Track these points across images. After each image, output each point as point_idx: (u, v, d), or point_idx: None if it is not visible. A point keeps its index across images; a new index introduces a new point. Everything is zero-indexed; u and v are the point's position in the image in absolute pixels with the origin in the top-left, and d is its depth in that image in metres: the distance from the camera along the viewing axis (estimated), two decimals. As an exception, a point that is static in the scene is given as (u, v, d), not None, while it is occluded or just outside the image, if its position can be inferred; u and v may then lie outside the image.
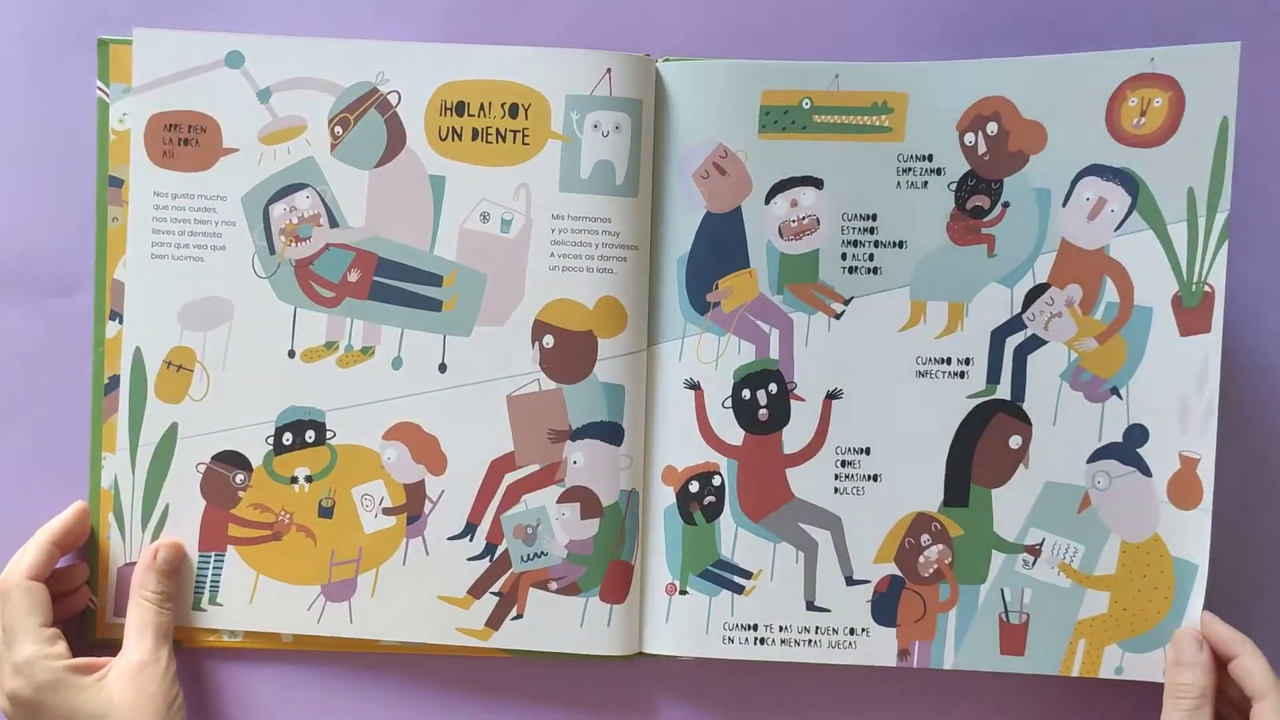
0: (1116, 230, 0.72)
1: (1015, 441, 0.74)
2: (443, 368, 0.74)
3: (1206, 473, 0.71)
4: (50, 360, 0.77)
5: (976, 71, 0.73)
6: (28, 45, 0.77)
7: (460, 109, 0.74)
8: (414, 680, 0.77)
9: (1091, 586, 0.73)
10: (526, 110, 0.74)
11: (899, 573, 0.74)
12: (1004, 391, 0.74)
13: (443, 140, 0.74)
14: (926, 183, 0.74)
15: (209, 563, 0.75)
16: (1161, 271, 0.72)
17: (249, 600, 0.75)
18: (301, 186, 0.74)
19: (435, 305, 0.74)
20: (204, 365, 0.75)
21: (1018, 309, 0.74)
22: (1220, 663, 0.71)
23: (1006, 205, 0.73)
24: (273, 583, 0.75)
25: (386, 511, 0.75)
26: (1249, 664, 0.69)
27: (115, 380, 0.75)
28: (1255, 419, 0.76)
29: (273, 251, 0.75)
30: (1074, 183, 0.73)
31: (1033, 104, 0.73)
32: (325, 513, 0.75)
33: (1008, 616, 0.74)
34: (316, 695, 0.77)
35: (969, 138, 0.74)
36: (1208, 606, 0.72)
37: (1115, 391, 0.73)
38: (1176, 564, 0.72)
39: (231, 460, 0.75)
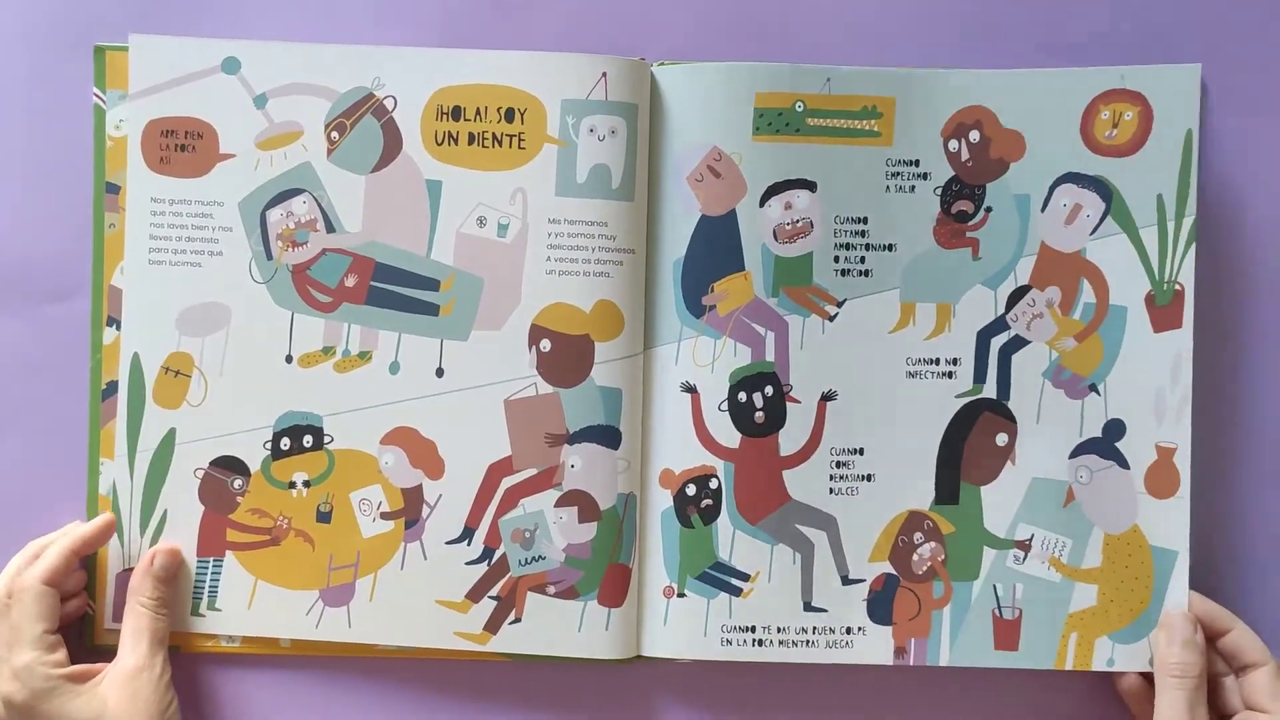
0: (1092, 234, 0.75)
1: (1002, 439, 0.76)
2: (440, 372, 0.74)
3: (1183, 461, 0.74)
4: (47, 367, 0.77)
5: (959, 80, 0.75)
6: (24, 52, 0.77)
7: (456, 113, 0.74)
8: (412, 684, 0.77)
9: (1080, 580, 0.75)
10: (523, 115, 0.74)
11: (893, 571, 0.75)
12: (990, 390, 0.76)
13: (439, 145, 0.74)
14: (914, 187, 0.76)
15: (207, 568, 0.75)
16: (1135, 272, 0.75)
17: (247, 605, 0.75)
18: (298, 192, 0.74)
19: (432, 310, 0.74)
20: (202, 371, 0.75)
21: (1001, 310, 0.76)
22: (1207, 639, 0.73)
23: (989, 210, 0.75)
24: (271, 588, 0.75)
25: (384, 516, 0.75)
26: (1243, 636, 0.72)
27: (112, 386, 0.75)
28: (1229, 409, 0.77)
29: (270, 257, 0.75)
30: (1052, 189, 0.75)
31: (1012, 114, 0.75)
32: (323, 518, 0.75)
33: (1001, 612, 0.75)
34: (315, 700, 0.77)
35: (953, 144, 0.75)
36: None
37: (1094, 388, 0.75)
38: (1155, 552, 0.74)
39: (229, 465, 0.75)
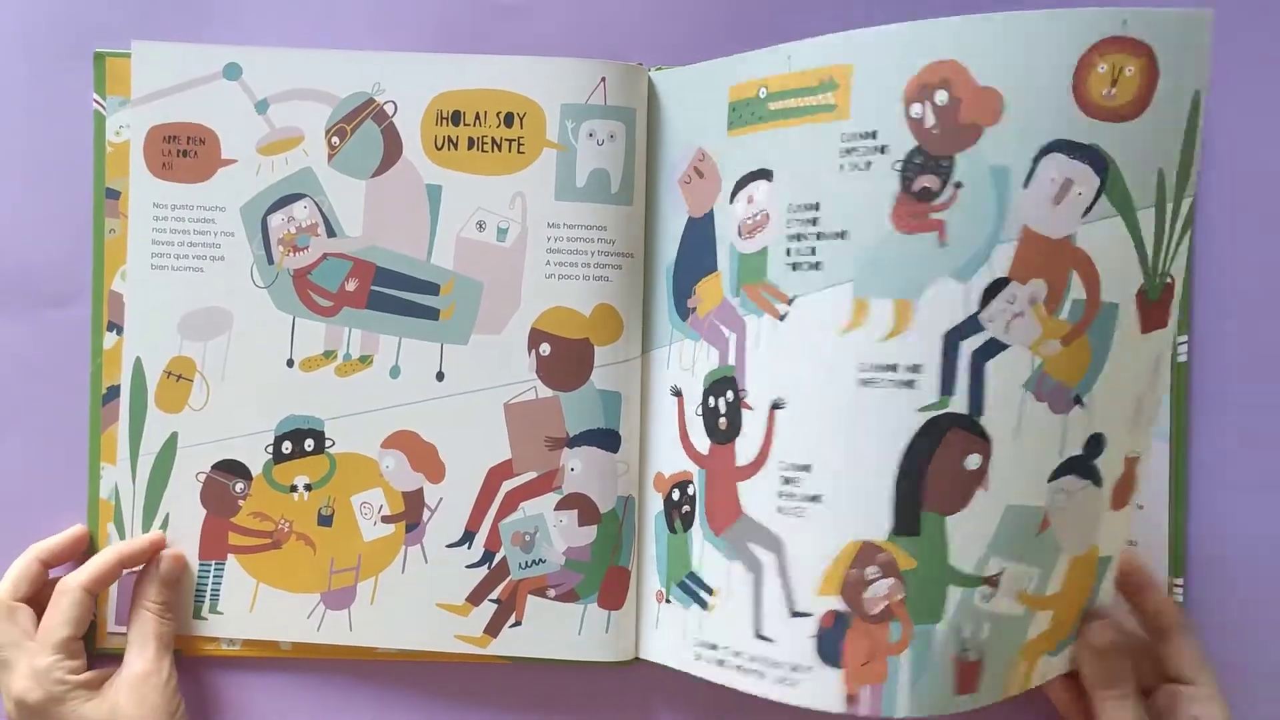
0: (1084, 217, 0.62)
1: (973, 461, 0.63)
2: (440, 376, 0.75)
3: (1144, 469, 0.66)
4: (47, 372, 0.77)
5: (925, 33, 0.63)
6: (24, 58, 0.77)
7: (456, 118, 0.74)
8: (412, 687, 0.77)
9: (1039, 608, 0.65)
10: (522, 119, 0.74)
11: (845, 608, 0.65)
12: (960, 404, 0.63)
13: (439, 150, 0.74)
14: (870, 163, 0.64)
15: (209, 571, 0.75)
16: (1129, 263, 0.63)
17: (249, 609, 0.75)
18: (299, 197, 0.75)
19: (432, 314, 0.75)
20: (203, 375, 0.75)
21: (974, 308, 0.62)
22: (1133, 595, 0.70)
23: (959, 186, 0.62)
24: (273, 591, 0.75)
25: (385, 519, 0.75)
26: (1182, 647, 0.68)
27: (112, 391, 0.75)
28: (1229, 408, 0.77)
29: (271, 261, 0.75)
30: (1036, 161, 0.61)
31: (989, 69, 0.61)
32: (325, 521, 0.75)
33: (964, 655, 0.65)
34: (316, 703, 0.77)
35: (915, 109, 0.63)
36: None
37: (1079, 400, 0.63)
38: (1099, 562, 0.66)
39: (231, 469, 0.75)
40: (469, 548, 0.75)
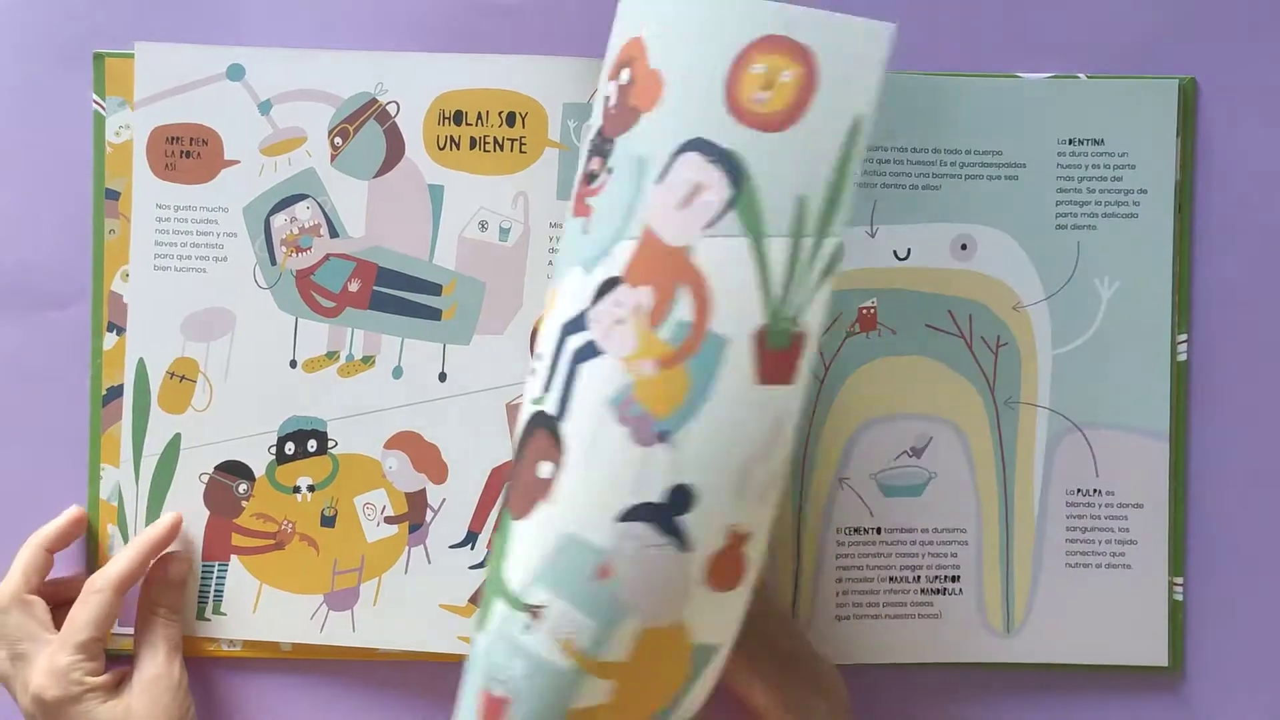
0: (706, 228, 0.54)
1: (545, 470, 0.56)
2: (442, 376, 0.75)
3: (756, 551, 0.56)
4: (47, 373, 0.76)
5: (635, 9, 0.57)
6: (23, 59, 0.77)
7: (458, 118, 0.74)
8: (415, 689, 0.77)
9: (592, 672, 0.55)
10: (524, 119, 0.74)
11: None
12: (551, 404, 0.57)
13: (441, 149, 0.74)
14: (578, 146, 0.62)
15: (212, 572, 0.75)
16: (748, 295, 0.54)
17: (252, 610, 0.75)
18: (302, 197, 0.75)
19: (435, 314, 0.75)
20: (206, 376, 0.75)
21: (586, 304, 0.56)
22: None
23: (611, 172, 0.57)
24: (276, 592, 0.75)
25: (388, 520, 0.75)
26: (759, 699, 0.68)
27: (113, 391, 0.75)
28: (1226, 408, 0.77)
29: (274, 262, 0.75)
30: (675, 157, 0.54)
31: (661, 50, 0.55)
32: (327, 522, 0.75)
33: (491, 686, 0.57)
34: (317, 704, 0.77)
35: (609, 87, 0.58)
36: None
37: (665, 437, 0.54)
38: (694, 650, 0.57)
39: (234, 470, 0.75)
40: (472, 549, 0.75)
